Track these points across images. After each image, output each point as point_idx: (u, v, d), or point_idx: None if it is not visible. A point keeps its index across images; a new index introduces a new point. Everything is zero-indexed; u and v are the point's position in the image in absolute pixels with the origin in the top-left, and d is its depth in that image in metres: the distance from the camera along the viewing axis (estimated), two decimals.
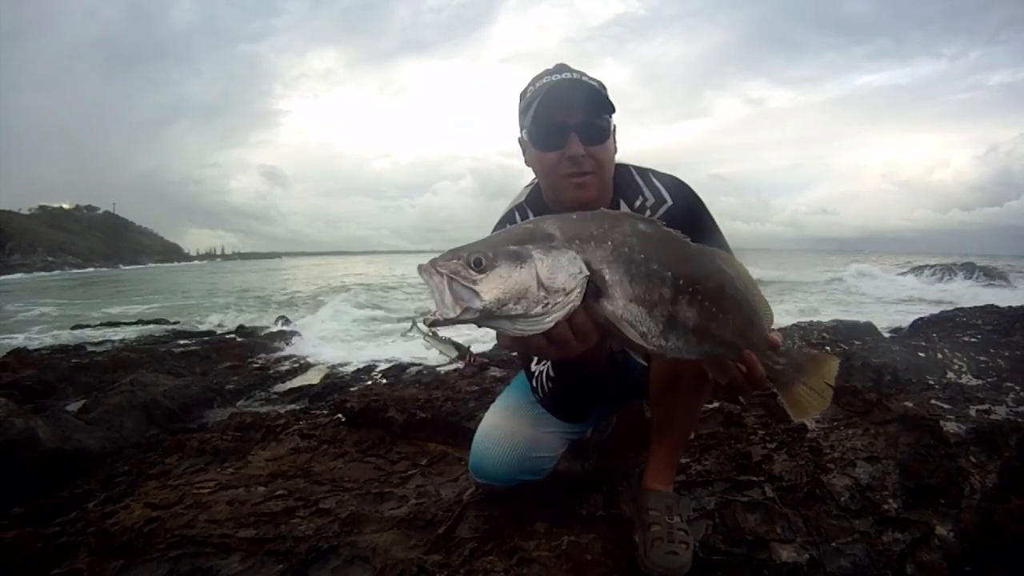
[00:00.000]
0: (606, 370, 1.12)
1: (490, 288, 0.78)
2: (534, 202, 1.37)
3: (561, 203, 1.25)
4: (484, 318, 0.78)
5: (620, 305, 0.83)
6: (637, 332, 0.84)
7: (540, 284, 0.79)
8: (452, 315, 0.77)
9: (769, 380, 0.98)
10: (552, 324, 0.80)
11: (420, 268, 0.80)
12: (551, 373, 1.25)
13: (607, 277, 0.82)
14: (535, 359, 1.31)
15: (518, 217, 1.37)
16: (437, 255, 0.82)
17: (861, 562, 1.32)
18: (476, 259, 0.78)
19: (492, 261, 0.79)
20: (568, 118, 1.20)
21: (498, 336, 0.87)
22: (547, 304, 0.79)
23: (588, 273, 0.81)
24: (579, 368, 1.08)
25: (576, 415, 1.37)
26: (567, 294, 0.80)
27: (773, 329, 0.99)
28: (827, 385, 1.00)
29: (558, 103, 1.20)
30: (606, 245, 0.84)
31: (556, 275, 0.80)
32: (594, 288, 0.82)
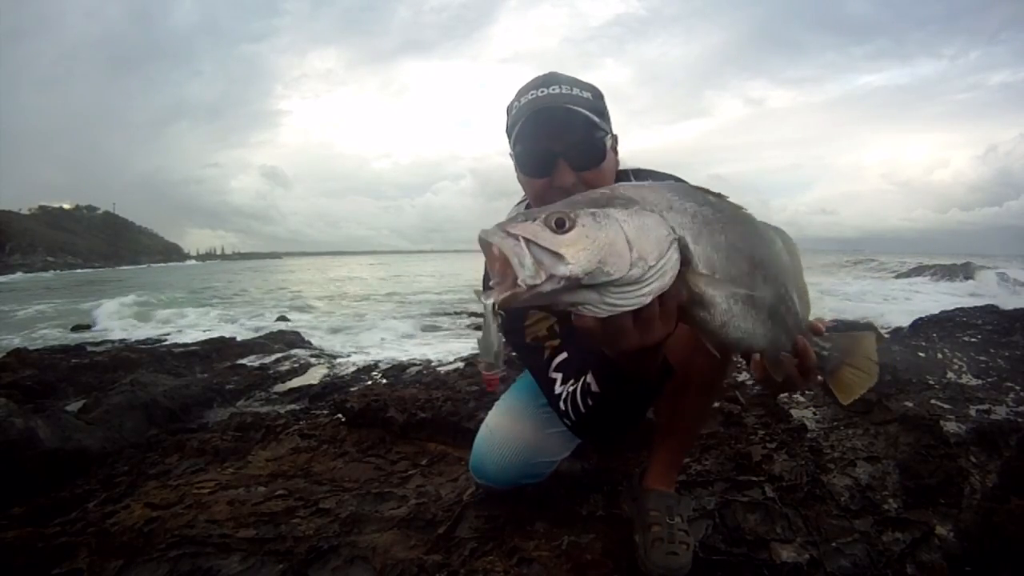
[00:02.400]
0: (658, 381, 0.96)
1: (577, 250, 0.65)
2: None
3: None
4: (569, 289, 0.66)
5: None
6: (720, 311, 0.75)
7: (630, 245, 0.67)
8: (535, 281, 0.64)
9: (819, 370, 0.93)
10: (651, 297, 0.68)
11: (485, 233, 0.67)
12: (593, 388, 1.02)
13: (691, 245, 0.73)
14: (559, 379, 1.14)
15: None
16: (498, 223, 0.68)
17: (861, 562, 1.32)
18: (557, 219, 0.67)
19: (574, 220, 0.67)
20: (555, 143, 1.08)
21: (576, 322, 0.74)
22: (643, 268, 0.67)
23: (677, 237, 0.71)
24: (630, 376, 0.91)
25: (611, 437, 1.24)
26: (661, 259, 0.68)
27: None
28: (871, 361, 0.96)
29: (544, 125, 1.08)
30: (686, 211, 0.74)
31: (645, 236, 0.69)
32: (680, 257, 0.71)
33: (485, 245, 0.67)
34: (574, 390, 1.07)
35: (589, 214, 0.68)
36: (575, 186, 1.07)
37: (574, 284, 0.65)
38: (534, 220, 0.67)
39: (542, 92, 1.10)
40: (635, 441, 1.71)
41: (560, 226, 0.66)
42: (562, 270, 0.64)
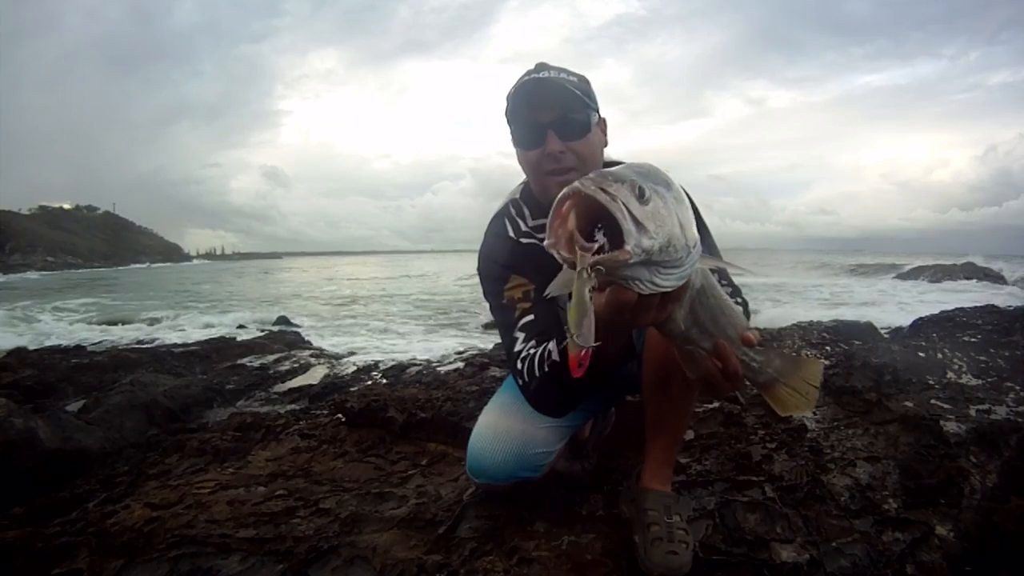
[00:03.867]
0: (620, 361, 1.02)
1: (657, 224, 0.64)
2: (528, 197, 1.38)
3: (549, 200, 1.26)
4: (641, 265, 0.64)
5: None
6: (686, 301, 0.78)
7: (682, 228, 0.67)
8: (639, 253, 0.61)
9: (748, 380, 0.95)
10: (684, 280, 0.69)
11: (584, 186, 0.64)
12: (554, 357, 1.10)
13: None
14: (521, 338, 1.21)
15: (513, 211, 1.38)
16: (587, 178, 0.66)
17: (861, 562, 1.32)
18: (640, 188, 0.64)
19: (650, 193, 0.65)
20: (544, 116, 1.22)
21: (619, 294, 0.70)
22: (689, 252, 0.68)
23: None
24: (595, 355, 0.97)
25: (558, 408, 1.28)
26: (695, 244, 0.69)
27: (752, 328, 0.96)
28: (811, 386, 0.97)
29: (533, 101, 1.22)
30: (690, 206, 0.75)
31: (688, 219, 0.69)
32: None
33: (566, 199, 0.65)
34: (534, 354, 1.16)
35: (653, 189, 0.67)
36: (563, 153, 1.21)
37: (647, 260, 0.64)
38: (623, 183, 0.65)
39: (532, 77, 1.24)
40: (635, 441, 1.72)
41: (641, 196, 0.64)
42: (646, 243, 0.62)
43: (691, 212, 0.73)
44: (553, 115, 1.22)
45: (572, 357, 0.67)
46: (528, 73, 1.27)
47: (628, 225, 0.61)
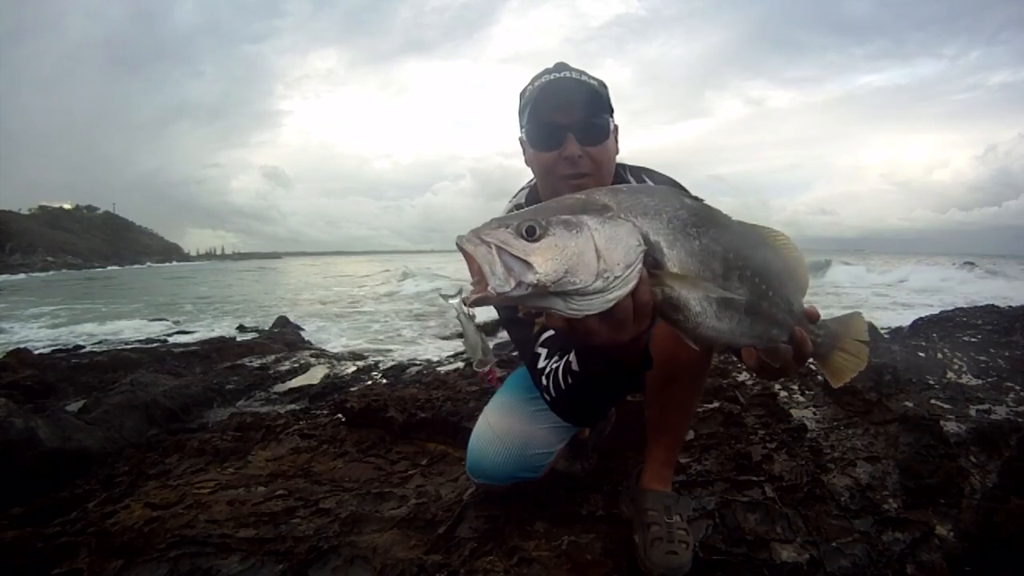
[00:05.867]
0: (638, 366, 0.99)
1: (545, 259, 0.69)
2: (534, 200, 1.35)
3: None
4: (536, 295, 0.69)
5: None
6: (694, 311, 0.78)
7: (599, 256, 0.71)
8: (505, 288, 0.68)
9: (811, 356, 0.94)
10: (613, 303, 0.72)
11: (461, 239, 0.71)
12: (574, 367, 1.10)
13: (665, 250, 0.76)
14: (543, 354, 1.20)
15: None
16: (474, 228, 0.73)
17: (861, 562, 1.32)
18: (528, 227, 0.70)
19: (545, 229, 0.70)
20: (564, 118, 1.19)
21: (548, 321, 0.79)
22: (607, 279, 0.71)
23: (646, 247, 0.74)
24: (611, 362, 0.95)
25: (588, 418, 1.27)
26: (627, 268, 0.72)
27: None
28: (861, 343, 0.98)
29: (555, 102, 1.19)
30: (661, 217, 0.77)
31: (615, 247, 0.72)
32: (652, 261, 0.75)
33: (462, 249, 0.70)
34: (557, 367, 1.13)
35: (561, 222, 0.71)
36: (581, 159, 1.18)
37: (541, 291, 0.69)
38: (506, 227, 0.70)
39: (554, 76, 1.20)
40: (635, 441, 1.72)
41: (531, 234, 0.70)
42: (530, 278, 0.68)
43: (628, 236, 0.73)
44: (574, 118, 1.18)
45: (480, 375, 0.78)
46: (548, 72, 1.23)
47: (488, 267, 0.68)
